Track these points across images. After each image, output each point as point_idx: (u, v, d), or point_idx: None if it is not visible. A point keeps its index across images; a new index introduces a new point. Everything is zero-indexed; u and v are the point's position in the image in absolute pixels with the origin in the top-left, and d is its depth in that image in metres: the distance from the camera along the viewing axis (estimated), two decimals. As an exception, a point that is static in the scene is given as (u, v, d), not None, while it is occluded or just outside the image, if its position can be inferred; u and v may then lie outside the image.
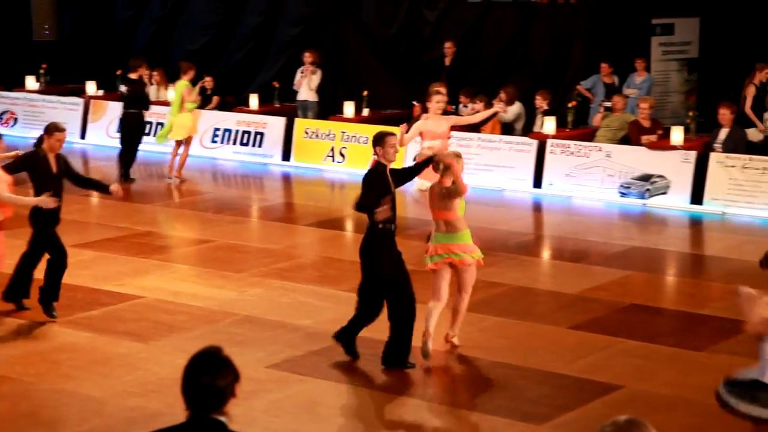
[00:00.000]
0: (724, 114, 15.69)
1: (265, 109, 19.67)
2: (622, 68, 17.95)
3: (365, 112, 18.84)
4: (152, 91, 20.08)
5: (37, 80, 21.99)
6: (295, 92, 19.51)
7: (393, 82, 20.14)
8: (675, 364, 9.64)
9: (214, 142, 19.44)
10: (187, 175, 17.49)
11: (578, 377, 9.26)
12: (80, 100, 20.99)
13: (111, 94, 20.53)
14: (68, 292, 10.81)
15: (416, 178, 10.57)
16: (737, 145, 15.64)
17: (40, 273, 10.70)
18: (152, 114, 19.18)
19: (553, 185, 16.58)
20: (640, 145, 16.14)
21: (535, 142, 16.82)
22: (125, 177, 17.13)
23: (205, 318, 10.73)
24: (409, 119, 15.40)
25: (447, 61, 18.98)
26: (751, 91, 16.61)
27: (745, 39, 18.03)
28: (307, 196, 17.27)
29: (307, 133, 18.74)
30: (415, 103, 17.45)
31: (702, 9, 18.61)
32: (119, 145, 17.69)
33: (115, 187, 10.95)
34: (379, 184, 9.25)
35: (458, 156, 9.64)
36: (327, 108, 19.80)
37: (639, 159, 16.04)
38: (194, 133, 17.67)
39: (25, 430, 8.32)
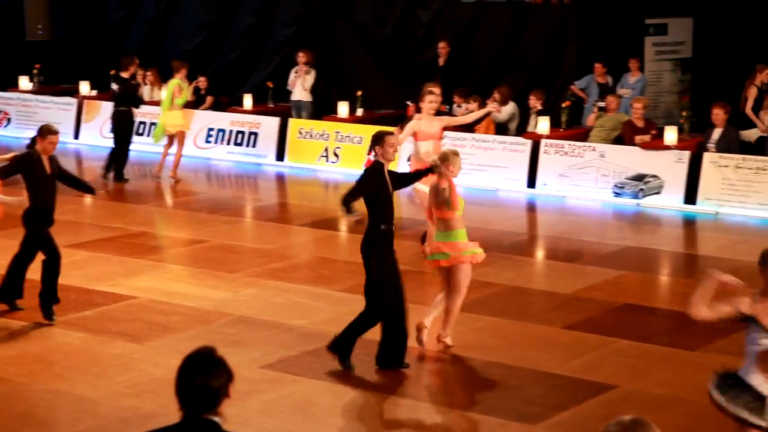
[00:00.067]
0: (718, 114, 15.71)
1: (259, 109, 19.65)
2: (616, 68, 17.95)
3: (359, 112, 18.83)
4: (146, 91, 20.08)
5: (31, 80, 21.93)
6: (289, 92, 19.48)
7: (387, 82, 20.12)
8: (669, 364, 9.65)
9: (208, 142, 19.42)
10: (182, 175, 17.47)
11: (572, 377, 9.27)
12: (74, 100, 20.95)
13: (104, 94, 20.46)
14: (62, 293, 10.78)
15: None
16: (731, 145, 15.66)
17: (32, 273, 10.69)
18: (146, 114, 19.18)
19: (547, 185, 16.59)
20: (634, 145, 16.16)
21: (529, 142, 16.83)
22: (107, 173, 17.16)
23: (199, 318, 10.73)
24: (404, 119, 15.40)
25: (441, 61, 18.98)
26: (752, 92, 16.57)
27: (739, 39, 18.06)
28: (301, 197, 17.26)
29: (301, 133, 18.73)
30: (409, 103, 17.47)
31: (695, 9, 18.63)
32: (113, 145, 17.69)
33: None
34: (376, 182, 9.24)
35: (455, 154, 9.64)
36: (321, 108, 19.77)
37: (633, 159, 16.06)
38: (187, 129, 17.66)
39: (18, 430, 8.30)
